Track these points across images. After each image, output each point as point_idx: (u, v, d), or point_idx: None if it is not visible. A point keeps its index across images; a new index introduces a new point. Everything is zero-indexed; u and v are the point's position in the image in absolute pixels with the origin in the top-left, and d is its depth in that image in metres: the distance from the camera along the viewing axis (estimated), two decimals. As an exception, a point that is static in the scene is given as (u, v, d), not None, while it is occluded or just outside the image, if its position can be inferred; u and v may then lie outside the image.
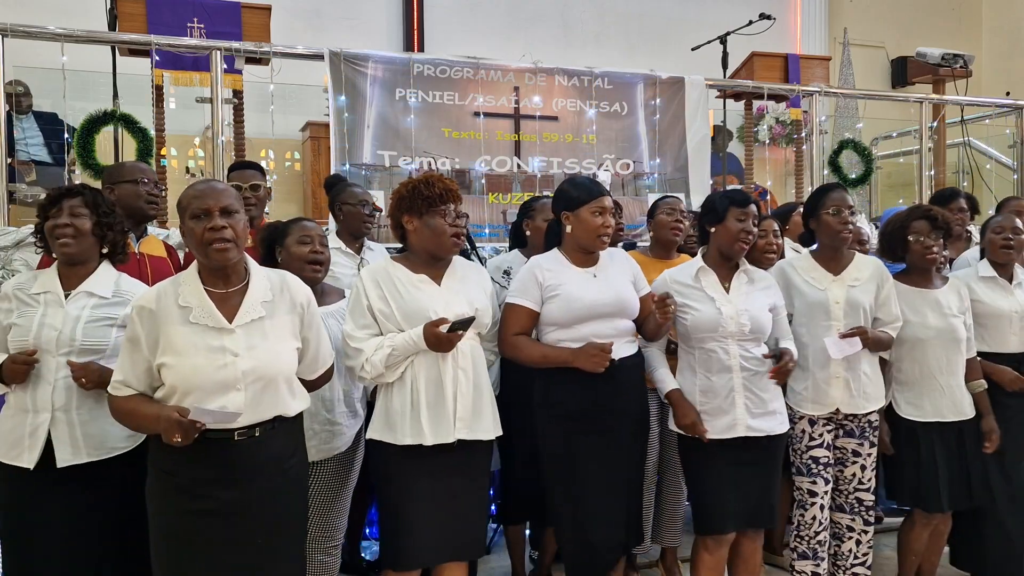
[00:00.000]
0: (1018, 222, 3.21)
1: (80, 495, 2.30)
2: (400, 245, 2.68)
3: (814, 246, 3.07)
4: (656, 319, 2.59)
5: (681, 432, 2.73)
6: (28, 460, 2.27)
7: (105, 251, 2.46)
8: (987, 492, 3.06)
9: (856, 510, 2.97)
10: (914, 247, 2.99)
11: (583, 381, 2.55)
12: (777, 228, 3.36)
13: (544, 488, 2.72)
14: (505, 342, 2.62)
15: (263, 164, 5.39)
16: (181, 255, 3.21)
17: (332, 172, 4.15)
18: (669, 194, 3.73)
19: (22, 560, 2.31)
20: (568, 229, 2.66)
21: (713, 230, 2.75)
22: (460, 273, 2.56)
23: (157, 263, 2.94)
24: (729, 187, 5.92)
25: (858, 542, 2.98)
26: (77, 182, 3.92)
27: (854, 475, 2.95)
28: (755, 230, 2.72)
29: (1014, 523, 3.15)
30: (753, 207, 2.72)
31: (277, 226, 2.77)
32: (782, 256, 3.32)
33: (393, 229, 2.59)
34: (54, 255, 2.43)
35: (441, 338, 2.35)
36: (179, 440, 1.93)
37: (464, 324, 2.39)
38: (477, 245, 3.56)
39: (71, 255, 2.38)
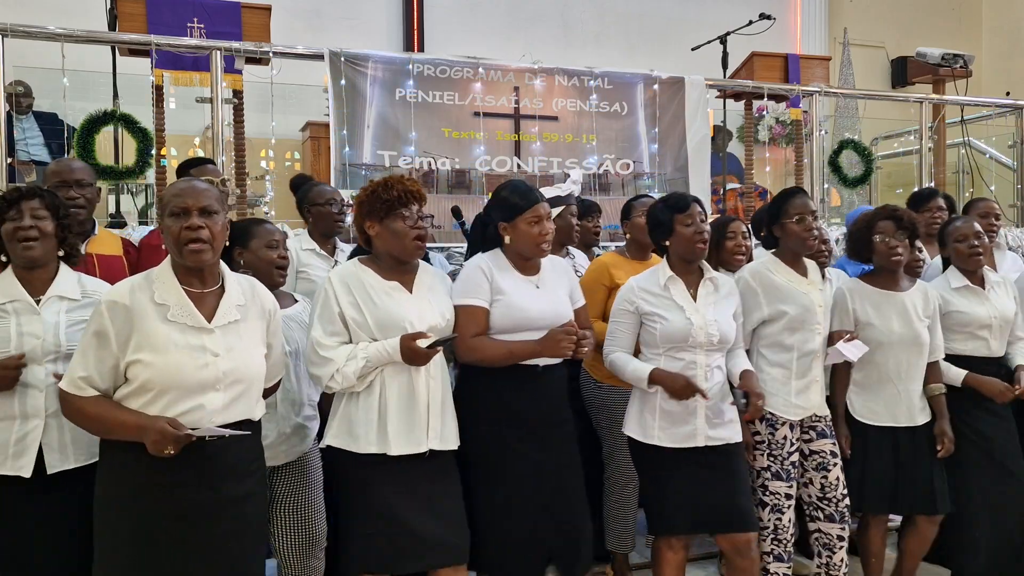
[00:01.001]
0: (977, 226, 3.17)
1: (66, 499, 2.25)
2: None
3: (775, 251, 3.03)
4: (578, 352, 2.53)
5: (633, 436, 2.73)
6: (14, 468, 2.21)
7: (61, 254, 2.39)
8: (931, 498, 2.98)
9: (846, 519, 2.93)
10: (879, 247, 2.97)
11: (509, 386, 2.54)
12: (746, 230, 3.36)
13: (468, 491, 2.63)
14: (464, 345, 2.53)
15: (263, 164, 5.41)
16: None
17: (332, 172, 4.16)
18: (643, 194, 3.69)
19: (7, 567, 2.26)
20: (507, 240, 2.62)
21: (668, 243, 2.74)
22: (428, 281, 2.53)
23: (108, 262, 2.86)
24: (730, 186, 5.93)
25: (846, 551, 2.95)
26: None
27: (837, 479, 2.91)
28: (706, 227, 2.71)
29: (1007, 524, 3.14)
30: (695, 206, 2.71)
31: (234, 225, 2.70)
32: (751, 258, 3.31)
33: (359, 235, 2.54)
34: (3, 259, 2.33)
35: (419, 353, 2.32)
36: (171, 452, 1.91)
37: (445, 341, 2.37)
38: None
39: (35, 258, 2.30)
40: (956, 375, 3.10)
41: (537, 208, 2.58)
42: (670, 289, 2.72)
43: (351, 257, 2.75)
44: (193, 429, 1.96)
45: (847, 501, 2.93)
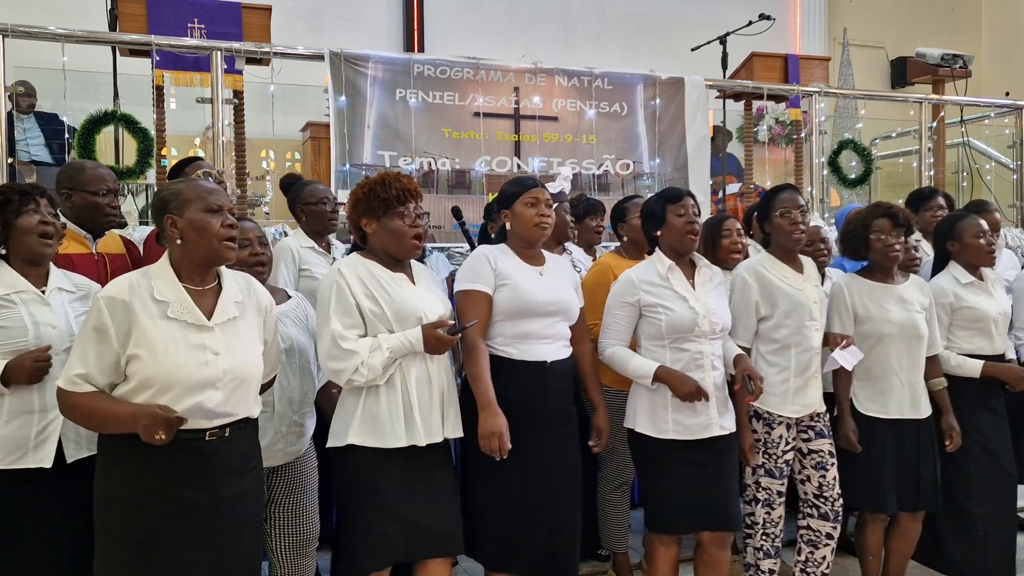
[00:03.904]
0: (985, 223, 3.21)
1: (83, 486, 2.25)
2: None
3: (770, 248, 3.03)
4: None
5: (643, 432, 2.71)
6: (35, 460, 2.26)
7: None
8: (935, 495, 3.01)
9: (839, 518, 2.93)
10: (875, 245, 2.98)
11: (518, 379, 2.56)
12: (740, 227, 3.36)
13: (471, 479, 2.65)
14: (468, 336, 2.53)
15: (263, 164, 5.41)
16: (142, 249, 3.16)
17: (332, 172, 4.16)
18: (634, 195, 3.67)
19: (14, 558, 2.30)
20: (508, 226, 2.67)
21: (659, 233, 2.76)
22: (421, 273, 2.56)
23: (116, 260, 2.92)
24: (730, 186, 5.94)
25: (833, 550, 2.95)
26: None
27: (835, 478, 2.91)
28: (698, 220, 2.73)
29: (1004, 519, 3.15)
30: (688, 199, 2.73)
31: None
32: (747, 256, 3.31)
33: (353, 231, 2.51)
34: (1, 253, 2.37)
35: (445, 341, 2.35)
36: (162, 437, 1.89)
37: (465, 328, 2.41)
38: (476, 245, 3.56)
39: (51, 254, 2.38)
40: (973, 367, 3.12)
41: (534, 191, 2.63)
42: (670, 279, 2.72)
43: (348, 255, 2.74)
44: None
45: (842, 501, 2.93)
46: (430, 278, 2.59)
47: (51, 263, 2.44)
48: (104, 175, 2.92)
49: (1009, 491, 3.20)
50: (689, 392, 2.61)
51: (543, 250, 2.76)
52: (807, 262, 3.00)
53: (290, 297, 2.75)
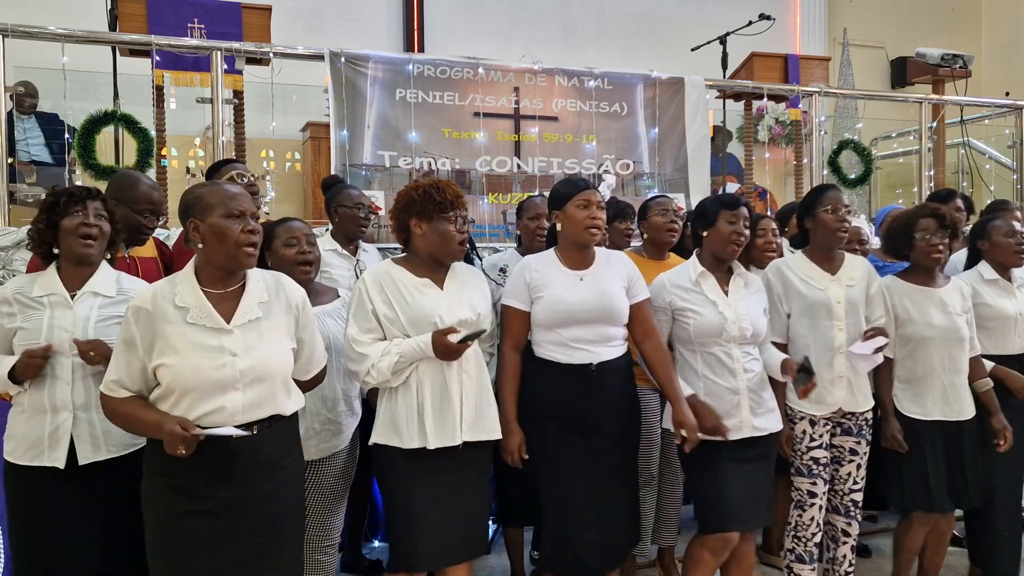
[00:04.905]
0: (1017, 224, 3.24)
1: (100, 489, 2.32)
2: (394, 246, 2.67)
3: (805, 248, 3.06)
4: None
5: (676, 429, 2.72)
6: (50, 459, 2.29)
7: (108, 256, 2.50)
8: (983, 493, 3.05)
9: (852, 513, 2.96)
10: (920, 245, 3.00)
11: (564, 383, 2.59)
12: (775, 227, 3.38)
13: (534, 488, 2.72)
14: (503, 349, 2.67)
15: (264, 164, 5.42)
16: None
17: (332, 172, 4.16)
18: (660, 194, 3.72)
19: (34, 556, 2.32)
20: (559, 227, 2.68)
21: (705, 234, 2.77)
22: (460, 277, 2.57)
23: (147, 264, 2.94)
24: (730, 186, 5.94)
25: (853, 548, 2.98)
26: (78, 182, 3.93)
27: (849, 474, 2.94)
28: (746, 232, 2.73)
29: (1014, 514, 3.18)
30: (743, 209, 2.74)
31: (265, 228, 2.75)
32: (781, 255, 3.33)
33: (397, 231, 2.57)
34: (55, 253, 2.41)
35: (451, 348, 2.38)
36: (183, 452, 1.95)
37: (475, 336, 2.42)
38: (477, 245, 3.56)
39: (91, 255, 2.40)
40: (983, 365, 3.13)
41: (587, 192, 2.64)
42: (701, 284, 2.74)
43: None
44: (204, 428, 1.99)
45: (854, 497, 2.95)
46: (469, 283, 2.58)
47: (106, 265, 2.47)
48: (151, 195, 2.91)
49: (1016, 491, 3.23)
50: (706, 428, 2.63)
51: (598, 248, 2.76)
52: (849, 261, 2.98)
53: (339, 296, 2.79)
